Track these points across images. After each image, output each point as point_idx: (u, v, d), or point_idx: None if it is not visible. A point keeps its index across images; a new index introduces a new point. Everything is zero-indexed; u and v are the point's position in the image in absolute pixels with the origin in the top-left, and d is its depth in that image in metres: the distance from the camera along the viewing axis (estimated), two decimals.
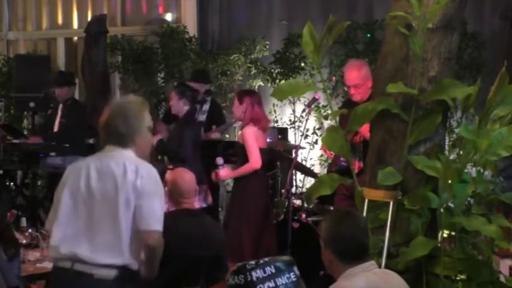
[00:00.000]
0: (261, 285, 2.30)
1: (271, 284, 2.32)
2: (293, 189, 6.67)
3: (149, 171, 3.28)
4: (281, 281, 2.34)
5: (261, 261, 2.33)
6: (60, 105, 7.62)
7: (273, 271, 2.33)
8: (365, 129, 4.98)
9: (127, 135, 3.31)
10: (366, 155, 4.17)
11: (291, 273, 2.35)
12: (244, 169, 5.84)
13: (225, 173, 5.99)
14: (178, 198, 4.54)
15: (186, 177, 4.61)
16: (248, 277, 2.31)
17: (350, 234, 2.92)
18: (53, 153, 7.26)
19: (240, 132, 6.32)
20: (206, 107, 7.32)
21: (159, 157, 6.82)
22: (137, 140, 3.33)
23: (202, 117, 6.82)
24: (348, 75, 5.53)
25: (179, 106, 6.39)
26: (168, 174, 4.87)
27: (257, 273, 2.32)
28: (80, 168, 3.32)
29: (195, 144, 6.38)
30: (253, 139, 5.84)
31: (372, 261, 2.98)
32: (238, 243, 5.80)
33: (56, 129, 7.58)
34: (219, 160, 6.02)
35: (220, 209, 7.31)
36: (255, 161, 5.80)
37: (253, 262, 2.33)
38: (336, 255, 2.89)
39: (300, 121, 7.86)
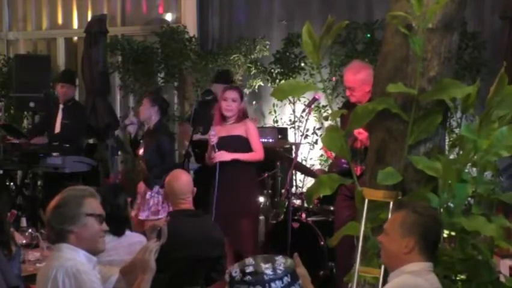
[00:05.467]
0: None
1: None
2: (293, 189, 6.67)
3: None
4: None
5: (279, 271, 2.25)
6: (61, 106, 7.61)
7: (289, 280, 2.26)
8: (366, 139, 5.01)
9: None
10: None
11: (300, 278, 2.32)
12: (249, 156, 5.89)
13: (224, 154, 5.84)
14: (174, 199, 4.55)
15: (182, 178, 4.62)
16: None
17: (438, 225, 3.17)
18: (55, 154, 7.26)
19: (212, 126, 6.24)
20: None
21: None
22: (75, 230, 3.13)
23: None
24: (345, 76, 5.61)
25: (149, 113, 6.38)
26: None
27: (276, 285, 2.25)
28: None
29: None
30: (258, 133, 6.02)
31: (432, 263, 3.13)
32: (239, 240, 5.85)
33: (57, 129, 7.57)
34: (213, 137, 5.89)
35: None
36: (261, 153, 5.94)
37: (270, 272, 2.25)
38: (421, 242, 3.06)
39: (300, 121, 7.85)
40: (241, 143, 5.90)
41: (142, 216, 6.23)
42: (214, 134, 5.86)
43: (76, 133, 7.61)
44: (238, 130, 5.94)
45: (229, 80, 7.38)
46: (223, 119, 5.99)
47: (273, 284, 2.23)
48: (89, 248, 3.16)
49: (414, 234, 3.06)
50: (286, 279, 2.25)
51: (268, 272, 2.23)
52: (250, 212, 5.97)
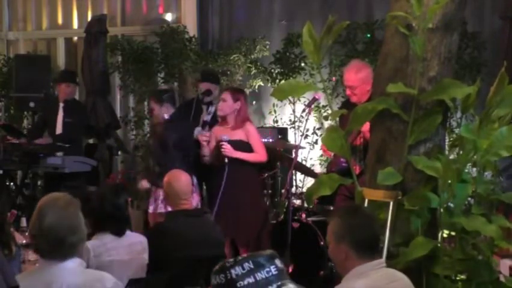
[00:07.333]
0: (241, 282, 2.27)
1: (251, 280, 2.29)
2: (293, 189, 6.67)
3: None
4: (261, 275, 2.31)
5: (239, 258, 2.30)
6: (61, 104, 7.60)
7: (252, 266, 2.30)
8: (365, 128, 5.01)
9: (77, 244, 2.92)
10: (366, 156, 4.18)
11: (272, 267, 2.32)
12: (253, 157, 5.92)
13: (230, 149, 5.89)
14: (175, 200, 4.55)
15: (181, 178, 4.62)
16: (228, 275, 2.28)
17: (366, 224, 3.05)
18: (55, 154, 7.26)
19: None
20: (213, 108, 7.22)
21: None
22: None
23: (207, 117, 6.78)
24: (345, 75, 5.61)
25: (162, 114, 6.32)
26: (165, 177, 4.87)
27: (236, 271, 2.29)
28: None
29: (177, 148, 6.35)
30: (259, 135, 6.02)
31: (381, 259, 3.06)
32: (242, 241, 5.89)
33: (59, 128, 7.55)
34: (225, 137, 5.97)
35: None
36: (264, 154, 5.95)
37: (231, 260, 2.31)
38: (353, 246, 2.99)
39: (300, 121, 7.85)
40: (243, 147, 5.91)
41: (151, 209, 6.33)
42: (227, 140, 5.88)
43: (78, 132, 7.61)
44: (238, 135, 5.95)
45: (216, 80, 7.31)
46: (223, 119, 6.03)
47: (232, 270, 2.27)
48: None
49: (344, 240, 3.01)
50: (248, 266, 2.28)
51: (230, 260, 2.29)
52: (257, 215, 5.98)
